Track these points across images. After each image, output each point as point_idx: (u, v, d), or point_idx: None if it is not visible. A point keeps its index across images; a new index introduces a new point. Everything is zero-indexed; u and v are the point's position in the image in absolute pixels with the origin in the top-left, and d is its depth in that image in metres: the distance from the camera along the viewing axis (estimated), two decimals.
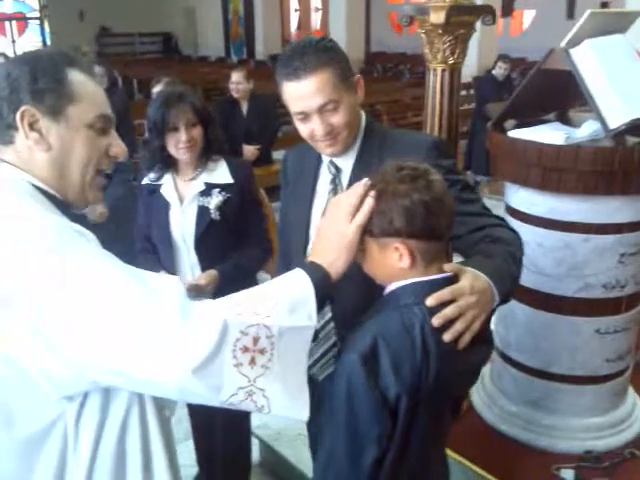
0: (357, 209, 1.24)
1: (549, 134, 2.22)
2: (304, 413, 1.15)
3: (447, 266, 1.29)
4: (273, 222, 5.13)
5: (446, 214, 1.24)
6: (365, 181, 1.28)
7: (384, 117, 8.49)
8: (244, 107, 5.34)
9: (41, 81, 1.13)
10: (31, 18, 18.43)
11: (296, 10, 19.71)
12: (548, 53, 2.29)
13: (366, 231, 1.27)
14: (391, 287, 1.32)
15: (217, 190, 2.26)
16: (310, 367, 1.82)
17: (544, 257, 2.25)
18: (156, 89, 5.09)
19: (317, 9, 19.56)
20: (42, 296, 1.00)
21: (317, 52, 1.51)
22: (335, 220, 1.26)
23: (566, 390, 2.36)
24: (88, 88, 1.19)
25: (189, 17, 18.86)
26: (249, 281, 2.46)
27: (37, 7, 18.34)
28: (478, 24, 2.41)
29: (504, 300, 1.38)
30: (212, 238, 2.27)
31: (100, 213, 3.51)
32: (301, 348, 1.14)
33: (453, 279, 1.28)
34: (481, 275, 1.31)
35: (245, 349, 1.06)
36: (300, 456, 2.63)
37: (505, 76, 7.12)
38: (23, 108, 1.12)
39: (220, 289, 2.25)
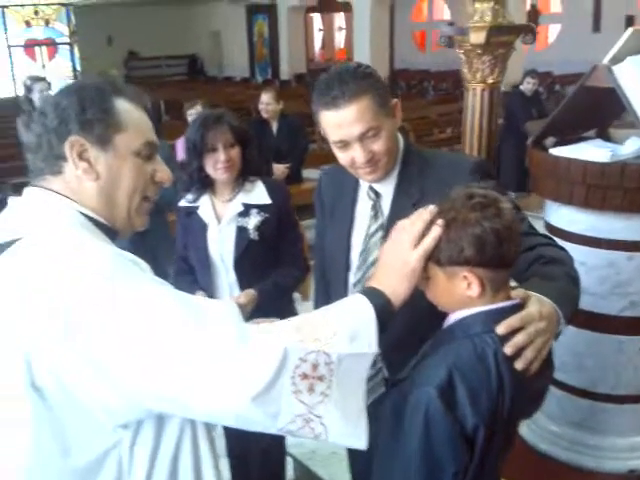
0: (422, 236, 1.23)
1: (593, 152, 2.21)
2: (363, 440, 1.13)
3: (515, 292, 1.27)
4: (304, 240, 5.17)
5: (515, 241, 1.22)
6: (431, 208, 1.26)
7: (411, 134, 8.50)
8: (274, 126, 5.38)
9: (89, 111, 1.14)
10: (61, 43, 18.83)
11: (320, 30, 19.90)
12: (590, 71, 2.27)
13: (431, 258, 1.24)
14: (457, 316, 1.29)
15: (255, 210, 2.27)
16: None
17: (587, 276, 2.21)
18: (190, 112, 5.18)
19: (340, 28, 19.74)
20: (96, 325, 1.00)
21: (356, 79, 1.49)
22: (398, 246, 1.24)
23: (610, 409, 2.33)
24: (134, 116, 1.20)
25: (214, 39, 19.14)
26: (286, 300, 2.47)
27: (67, 33, 18.75)
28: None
29: (568, 323, 1.35)
30: (251, 258, 2.28)
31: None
32: (360, 375, 1.13)
33: (521, 306, 1.26)
34: (546, 300, 1.28)
35: (304, 376, 1.05)
36: (334, 475, 2.62)
37: (533, 91, 7.09)
38: (72, 138, 1.12)
39: (258, 308, 2.26)
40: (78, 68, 18.65)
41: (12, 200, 1.14)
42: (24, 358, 1.01)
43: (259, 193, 2.30)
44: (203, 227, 2.32)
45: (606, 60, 2.21)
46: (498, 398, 1.20)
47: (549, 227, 2.38)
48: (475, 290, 1.23)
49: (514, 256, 1.24)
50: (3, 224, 1.11)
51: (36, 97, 5.18)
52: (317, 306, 2.05)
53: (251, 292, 2.24)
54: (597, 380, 2.32)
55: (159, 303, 1.04)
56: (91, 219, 1.16)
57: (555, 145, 2.37)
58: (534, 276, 1.41)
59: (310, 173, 7.06)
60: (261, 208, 2.28)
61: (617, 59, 2.19)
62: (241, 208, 2.28)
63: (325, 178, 1.89)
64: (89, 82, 1.24)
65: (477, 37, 2.24)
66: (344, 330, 1.11)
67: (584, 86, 2.27)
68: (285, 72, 16.99)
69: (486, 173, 1.59)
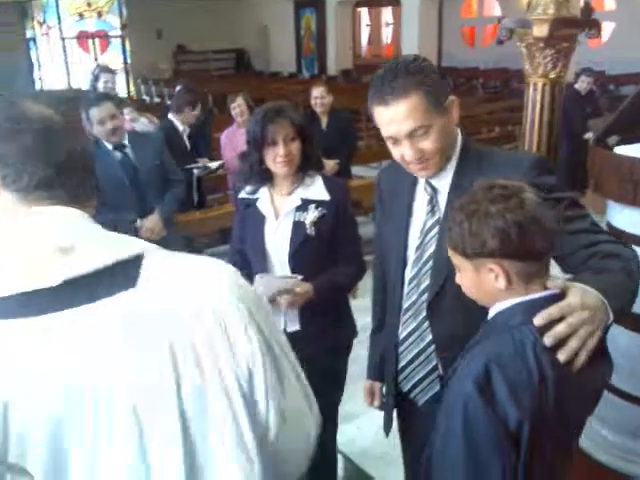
0: None
1: None
2: None
3: (551, 283, 1.24)
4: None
5: (542, 233, 1.19)
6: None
7: None
8: (324, 122, 5.36)
9: None
10: (113, 36, 19.18)
11: (367, 25, 19.83)
12: None
13: (458, 251, 1.25)
14: (495, 309, 1.28)
15: (313, 206, 2.25)
16: (410, 390, 1.80)
17: None
18: (233, 105, 5.20)
19: (388, 24, 19.63)
20: None
21: (407, 75, 1.48)
22: None
23: None
24: None
25: (262, 34, 19.23)
26: (342, 298, 2.46)
27: (118, 26, 19.09)
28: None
29: (619, 318, 1.31)
30: (306, 253, 2.27)
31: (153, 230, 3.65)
32: None
33: (560, 296, 1.23)
34: (591, 290, 1.25)
35: None
36: (385, 474, 2.61)
37: (588, 90, 6.92)
38: None
39: (312, 304, 2.25)
40: (129, 61, 18.97)
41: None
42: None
43: (318, 189, 2.28)
44: (261, 220, 2.32)
45: None
46: (540, 393, 1.16)
47: (611, 229, 2.31)
48: (502, 282, 1.22)
49: (543, 248, 1.21)
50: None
51: (100, 87, 5.27)
52: (375, 302, 2.03)
53: (308, 285, 2.24)
54: None
55: None
56: None
57: (618, 144, 2.31)
58: (588, 270, 1.38)
59: (358, 170, 7.05)
60: (319, 204, 2.26)
61: None
62: (299, 202, 2.27)
63: (383, 174, 1.89)
64: None
65: (540, 30, 2.18)
66: None
67: None
68: (332, 68, 16.97)
69: (546, 170, 1.54)
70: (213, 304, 0.96)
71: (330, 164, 5.20)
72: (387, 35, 19.92)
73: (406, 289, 1.74)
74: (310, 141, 2.27)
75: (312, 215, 2.24)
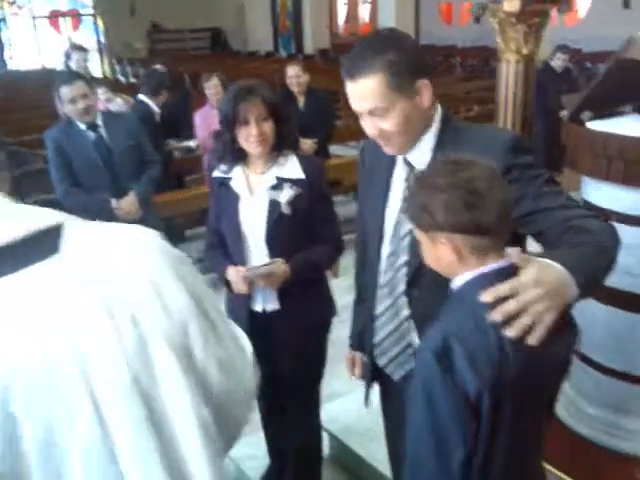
0: None
1: (630, 126, 2.15)
2: None
3: (512, 256, 1.25)
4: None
5: (491, 209, 1.20)
6: None
7: None
8: (301, 101, 5.33)
9: None
10: (85, 15, 18.83)
11: (344, 3, 19.64)
12: (627, 43, 2.20)
13: (416, 225, 1.28)
14: (457, 282, 1.30)
15: (288, 185, 2.24)
16: (386, 365, 1.82)
17: (627, 255, 2.12)
18: (208, 84, 5.16)
19: (365, 1, 19.46)
20: None
21: (373, 54, 1.47)
22: None
23: None
24: None
25: (238, 12, 19.00)
26: (319, 277, 2.46)
27: (90, 4, 18.72)
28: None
29: (588, 292, 1.29)
30: (282, 232, 2.26)
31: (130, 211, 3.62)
32: None
33: (516, 268, 1.24)
34: (554, 265, 1.23)
35: None
36: (369, 450, 2.63)
37: (564, 67, 6.94)
38: None
39: (289, 283, 2.25)
40: (102, 40, 18.65)
41: None
42: None
43: (293, 167, 2.27)
44: (235, 199, 2.30)
45: None
46: (500, 363, 1.18)
47: (586, 204, 2.32)
48: (452, 256, 1.24)
49: (492, 223, 1.21)
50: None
51: (73, 66, 5.19)
52: (357, 274, 2.04)
53: (283, 266, 2.24)
54: (636, 362, 2.28)
55: None
56: None
57: (592, 119, 2.31)
58: (562, 245, 1.37)
59: (337, 149, 7.03)
60: (294, 182, 2.25)
61: None
62: (274, 181, 2.25)
63: (366, 147, 1.86)
64: None
65: (511, 5, 2.18)
66: None
67: (620, 59, 2.20)
68: (309, 47, 16.85)
69: (522, 149, 1.54)
70: (140, 263, 0.97)
71: (308, 143, 5.18)
72: (364, 14, 19.75)
73: (383, 265, 1.75)
74: (284, 120, 2.25)
75: (287, 194, 2.23)
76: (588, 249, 1.33)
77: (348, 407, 3.00)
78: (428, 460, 1.25)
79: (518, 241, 1.54)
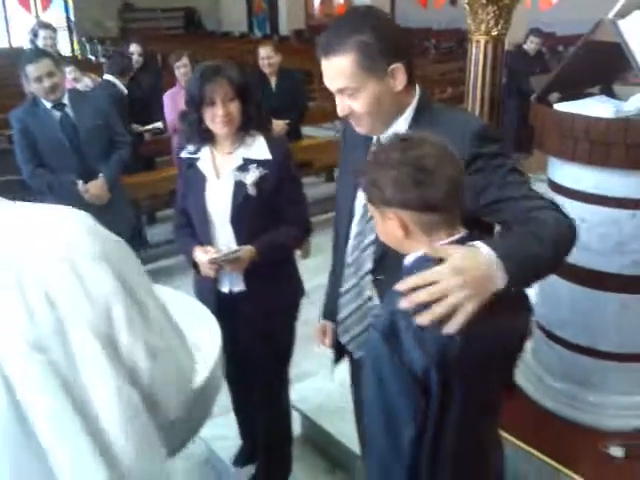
0: None
1: (597, 107, 2.17)
2: None
3: (431, 249, 1.22)
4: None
5: (440, 186, 1.21)
6: None
7: None
8: (273, 82, 5.29)
9: None
10: None
11: None
12: (595, 25, 2.22)
13: (368, 199, 1.30)
14: (407, 260, 1.32)
15: (254, 166, 2.22)
16: (348, 342, 1.83)
17: (589, 233, 2.20)
18: (178, 64, 5.10)
19: None
20: None
21: (348, 33, 1.46)
22: None
23: (613, 367, 2.33)
24: None
25: None
26: (287, 259, 2.45)
27: None
28: None
29: (522, 280, 1.27)
30: (248, 214, 2.25)
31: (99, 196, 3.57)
32: None
33: (467, 239, 1.26)
34: (481, 251, 1.20)
35: None
36: (340, 428, 2.65)
37: (537, 51, 6.98)
38: None
39: (255, 265, 2.25)
40: (72, 19, 18.26)
41: None
42: None
43: (260, 148, 2.25)
44: (202, 180, 2.28)
45: (611, 14, 2.16)
46: (446, 340, 1.17)
47: (552, 184, 2.35)
48: (399, 232, 1.26)
49: (439, 200, 1.21)
50: None
51: (40, 44, 5.08)
52: (333, 247, 2.01)
53: (249, 248, 2.23)
54: (599, 338, 2.32)
55: None
56: None
57: (559, 101, 2.33)
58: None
59: (310, 130, 7.01)
60: (260, 163, 2.23)
61: (623, 13, 2.13)
62: (240, 162, 2.23)
63: (348, 125, 1.79)
64: None
65: None
66: None
67: (589, 41, 2.22)
68: (284, 27, 16.70)
69: (489, 138, 1.53)
70: (63, 245, 0.95)
71: (280, 124, 5.15)
72: None
73: (350, 244, 1.75)
74: (251, 101, 2.23)
75: (253, 175, 2.21)
76: (528, 237, 1.29)
77: (319, 386, 3.03)
78: (379, 437, 1.28)
79: (488, 229, 1.55)
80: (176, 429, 1.14)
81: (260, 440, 2.62)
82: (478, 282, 1.17)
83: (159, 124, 5.32)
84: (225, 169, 2.26)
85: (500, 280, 1.19)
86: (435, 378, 1.20)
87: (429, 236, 1.26)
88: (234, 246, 2.26)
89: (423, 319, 1.15)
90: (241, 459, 2.79)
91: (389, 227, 1.28)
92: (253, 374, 2.49)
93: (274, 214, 2.29)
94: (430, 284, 1.15)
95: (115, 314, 0.97)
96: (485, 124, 1.58)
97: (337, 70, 1.48)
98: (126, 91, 5.20)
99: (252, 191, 2.21)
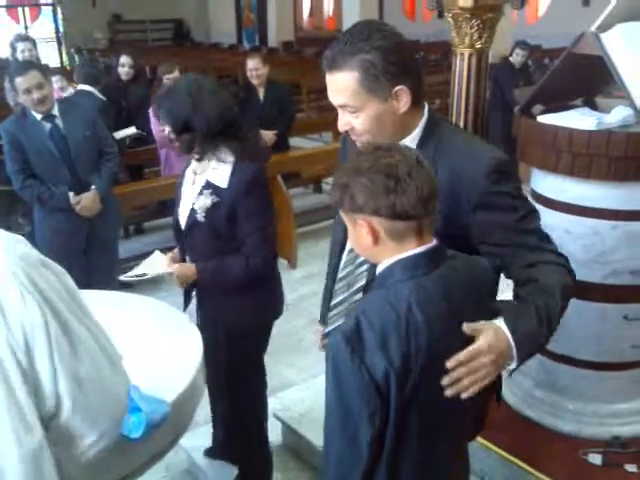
0: None
1: (579, 119, 2.20)
2: None
3: (468, 327, 1.28)
4: (289, 209, 5.15)
5: (410, 194, 1.22)
6: None
7: None
8: (261, 93, 5.32)
9: None
10: (44, 4, 18.37)
11: None
12: (578, 38, 2.25)
13: (339, 206, 1.30)
14: (379, 268, 1.33)
15: (209, 192, 2.18)
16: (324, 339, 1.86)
17: (571, 244, 2.23)
18: (168, 77, 5.09)
19: None
20: None
21: (353, 50, 1.43)
22: None
23: (593, 376, 2.36)
24: None
25: (201, 4, 18.76)
26: (231, 289, 2.33)
27: None
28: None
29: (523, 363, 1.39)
30: (198, 236, 2.25)
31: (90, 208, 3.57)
32: None
33: (439, 249, 1.29)
34: (504, 333, 1.31)
35: None
36: (322, 437, 2.63)
37: (522, 63, 7.04)
38: None
39: (199, 288, 2.32)
40: (62, 30, 18.24)
41: None
42: None
43: (222, 174, 2.19)
44: (180, 193, 2.34)
45: (594, 27, 2.19)
46: (409, 344, 1.21)
47: (535, 195, 2.38)
48: (369, 239, 1.27)
49: (411, 209, 1.23)
50: None
51: (19, 57, 5.07)
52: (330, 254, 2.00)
53: (187, 267, 2.27)
54: (579, 347, 2.35)
55: None
56: None
57: (543, 113, 2.36)
58: (518, 301, 1.43)
59: (298, 142, 7.04)
60: (215, 190, 2.18)
61: (605, 27, 2.17)
62: (202, 185, 2.22)
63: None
64: None
65: (465, 0, 2.21)
66: None
67: (572, 53, 2.25)
68: (273, 39, 16.74)
69: (505, 174, 1.50)
70: None
71: (268, 135, 5.18)
72: (329, 8, 19.72)
73: (344, 257, 1.75)
74: (196, 129, 2.14)
75: (204, 201, 2.19)
76: (541, 319, 1.38)
77: (302, 396, 3.02)
78: (337, 439, 1.29)
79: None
80: (159, 437, 1.14)
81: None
82: (500, 362, 1.30)
83: (132, 129, 5.28)
84: (190, 189, 2.28)
85: (510, 364, 1.34)
86: (395, 381, 1.22)
87: (399, 244, 1.28)
88: (188, 260, 2.32)
89: (449, 391, 1.25)
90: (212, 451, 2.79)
91: (359, 234, 1.29)
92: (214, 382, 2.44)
93: (227, 242, 2.24)
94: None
95: (37, 349, 0.95)
96: (504, 158, 1.52)
97: (340, 86, 1.46)
98: (104, 99, 5.20)
99: (200, 217, 2.20)
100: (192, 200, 2.24)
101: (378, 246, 1.28)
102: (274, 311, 2.48)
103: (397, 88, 1.46)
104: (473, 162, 1.48)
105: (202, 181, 2.23)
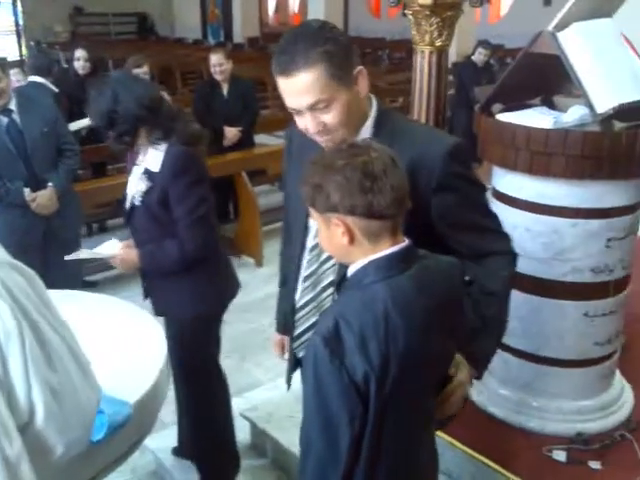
0: None
1: (537, 118, 2.22)
2: None
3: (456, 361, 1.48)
4: (254, 206, 5.12)
5: (386, 193, 1.21)
6: None
7: None
8: (224, 89, 5.28)
9: None
10: None
11: None
12: (535, 37, 2.27)
13: (312, 205, 1.28)
14: (352, 269, 1.32)
15: (145, 177, 2.27)
16: (294, 341, 1.82)
17: (532, 241, 2.26)
18: (137, 71, 5.00)
19: None
20: None
21: (310, 46, 1.40)
22: None
23: (555, 373, 2.38)
24: None
25: None
26: (196, 273, 2.37)
27: None
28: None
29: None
30: (137, 221, 2.34)
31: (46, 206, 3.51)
32: None
33: (411, 249, 1.30)
34: (467, 367, 1.54)
35: None
36: (291, 438, 2.63)
37: (485, 62, 7.13)
38: None
39: (143, 275, 2.42)
40: (21, 23, 17.84)
41: None
42: None
43: (154, 159, 2.27)
44: (131, 169, 2.40)
45: (551, 26, 2.21)
46: (388, 345, 1.20)
47: (496, 193, 2.40)
48: (344, 238, 1.26)
49: (386, 208, 1.23)
50: None
51: None
52: (281, 254, 2.01)
53: (130, 252, 2.34)
54: (542, 344, 2.37)
55: None
56: None
57: (502, 111, 2.38)
58: (475, 317, 1.57)
59: (263, 138, 7.01)
60: (150, 175, 2.26)
61: (562, 26, 2.19)
62: (142, 171, 2.29)
63: (294, 130, 1.71)
64: None
65: None
66: None
67: (529, 53, 2.27)
68: (238, 35, 16.65)
69: (462, 159, 1.54)
70: None
71: (232, 131, 5.16)
72: (294, 4, 19.66)
73: (307, 256, 1.70)
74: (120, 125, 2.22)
75: (138, 186, 2.28)
76: (499, 337, 1.70)
77: (269, 395, 3.01)
78: (317, 442, 1.26)
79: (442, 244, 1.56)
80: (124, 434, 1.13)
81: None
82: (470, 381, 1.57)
83: (86, 120, 5.18)
84: (134, 177, 2.35)
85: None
86: (375, 384, 1.21)
87: (374, 244, 1.26)
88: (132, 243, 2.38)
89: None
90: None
91: (334, 234, 1.27)
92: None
93: (170, 224, 2.28)
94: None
95: (12, 360, 0.95)
96: (460, 142, 1.56)
97: (306, 85, 1.42)
98: (56, 90, 5.11)
99: (137, 201, 2.29)
100: (132, 188, 2.32)
101: (353, 246, 1.27)
102: (217, 301, 2.46)
103: (357, 69, 1.47)
104: (434, 146, 1.51)
105: (141, 169, 2.30)
